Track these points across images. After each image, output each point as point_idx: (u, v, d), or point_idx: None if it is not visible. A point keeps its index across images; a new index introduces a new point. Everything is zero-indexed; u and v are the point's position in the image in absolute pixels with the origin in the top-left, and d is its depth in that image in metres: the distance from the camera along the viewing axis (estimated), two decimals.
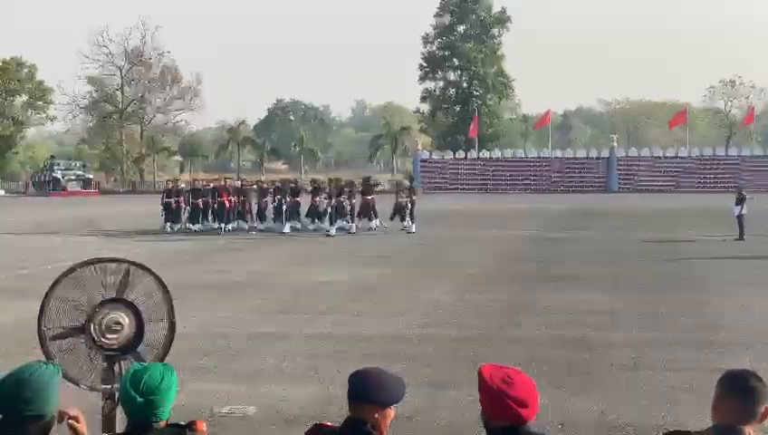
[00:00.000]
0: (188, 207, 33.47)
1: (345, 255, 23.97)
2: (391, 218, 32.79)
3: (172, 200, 33.52)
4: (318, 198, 33.01)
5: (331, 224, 31.00)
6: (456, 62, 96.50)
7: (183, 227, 33.09)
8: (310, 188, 35.07)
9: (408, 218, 31.86)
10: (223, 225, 32.25)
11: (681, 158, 72.61)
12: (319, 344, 11.73)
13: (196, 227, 32.89)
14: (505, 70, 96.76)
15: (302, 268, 20.95)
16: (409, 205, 32.02)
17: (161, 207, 33.77)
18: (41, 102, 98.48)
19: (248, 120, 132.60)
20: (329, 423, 3.65)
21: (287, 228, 31.47)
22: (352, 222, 31.64)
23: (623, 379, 9.72)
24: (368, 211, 32.70)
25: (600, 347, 11.33)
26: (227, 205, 32.57)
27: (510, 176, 74.27)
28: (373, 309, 14.71)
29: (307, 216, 33.21)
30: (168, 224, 32.90)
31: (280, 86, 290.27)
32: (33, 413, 3.28)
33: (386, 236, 29.64)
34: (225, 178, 36.54)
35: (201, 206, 33.15)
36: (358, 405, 3.52)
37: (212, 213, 33.22)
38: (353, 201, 32.31)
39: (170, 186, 35.29)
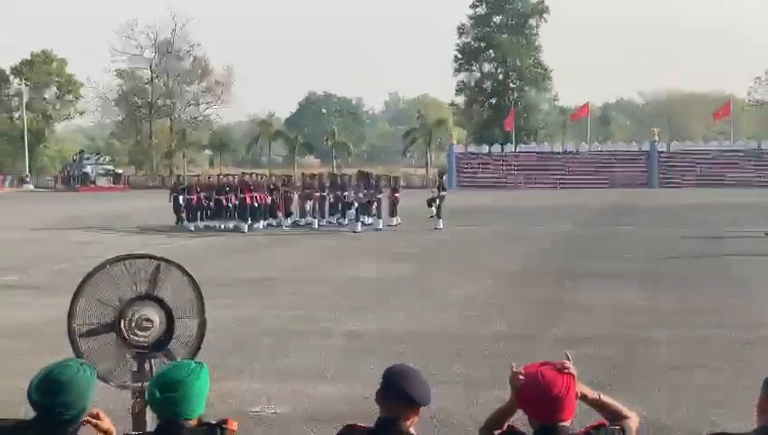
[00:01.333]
0: (211, 203, 33.00)
1: (376, 251, 24.01)
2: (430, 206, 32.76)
3: (193, 196, 33.10)
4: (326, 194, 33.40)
5: (357, 220, 31.02)
6: (491, 53, 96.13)
7: (204, 225, 32.79)
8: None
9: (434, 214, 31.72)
10: (245, 224, 31.30)
11: (725, 151, 71.88)
12: (350, 342, 11.76)
13: (216, 224, 32.45)
14: (542, 61, 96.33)
15: (333, 264, 21.03)
16: (437, 200, 31.84)
17: (183, 205, 33.41)
18: (70, 96, 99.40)
19: (279, 113, 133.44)
20: (361, 424, 3.65)
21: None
22: (380, 218, 31.54)
23: (665, 379, 9.66)
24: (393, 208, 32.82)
25: (641, 346, 11.26)
26: (249, 202, 31.84)
27: (547, 170, 73.88)
28: (405, 306, 14.72)
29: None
30: (189, 222, 32.64)
31: (312, 78, 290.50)
32: (71, 415, 3.32)
33: (418, 232, 29.61)
34: (247, 174, 36.07)
35: (225, 203, 32.55)
36: (392, 403, 3.51)
37: (235, 211, 32.36)
38: (379, 196, 32.09)
39: (192, 182, 35.17)
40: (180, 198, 33.67)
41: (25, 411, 3.44)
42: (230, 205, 32.34)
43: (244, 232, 30.46)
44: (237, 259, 22.58)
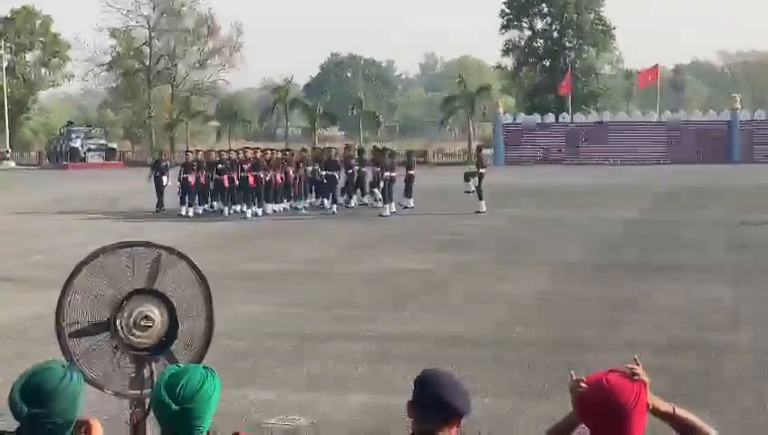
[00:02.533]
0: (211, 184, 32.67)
1: (411, 238, 24.05)
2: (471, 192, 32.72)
3: (190, 175, 32.48)
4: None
5: (385, 202, 31.18)
6: (545, 7, 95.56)
7: (207, 208, 32.82)
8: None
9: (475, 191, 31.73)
10: (248, 209, 31.03)
11: None
12: (379, 346, 11.80)
13: (219, 206, 32.33)
14: (604, 16, 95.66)
15: (360, 255, 21.08)
16: (477, 178, 31.78)
17: (178, 185, 32.86)
18: (56, 59, 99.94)
19: (297, 78, 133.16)
20: None
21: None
22: (386, 203, 31.61)
23: (746, 389, 9.63)
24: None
25: (718, 352, 11.22)
26: (252, 182, 31.33)
27: (609, 143, 73.41)
28: (444, 304, 14.75)
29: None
30: (185, 207, 32.05)
31: (335, 38, 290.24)
32: (58, 426, 3.38)
33: (461, 216, 29.57)
34: (250, 149, 34.93)
35: (226, 183, 32.01)
36: (427, 414, 3.52)
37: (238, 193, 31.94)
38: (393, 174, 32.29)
39: (189, 159, 34.54)
40: (164, 177, 33.57)
41: (8, 424, 3.50)
42: (235, 186, 31.86)
43: (247, 218, 30.40)
44: (246, 249, 22.67)
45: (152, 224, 28.74)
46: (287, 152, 35.98)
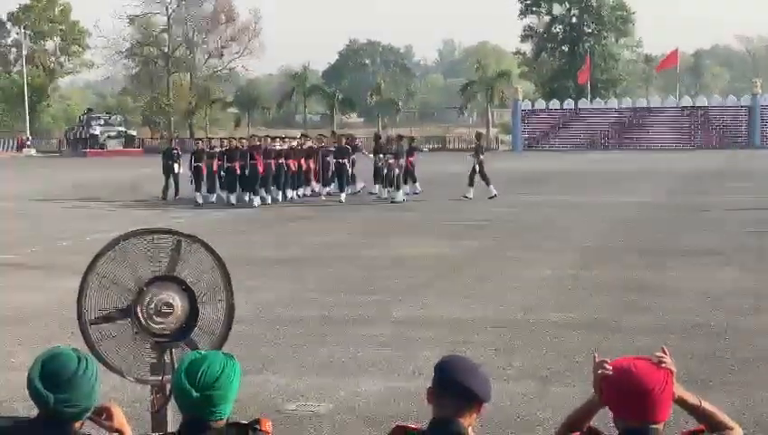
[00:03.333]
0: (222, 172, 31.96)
1: (428, 224, 24.04)
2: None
3: (201, 163, 32.18)
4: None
5: (398, 188, 31.13)
6: None
7: (217, 197, 32.28)
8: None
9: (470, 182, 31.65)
10: (255, 197, 30.53)
11: None
12: (399, 330, 11.80)
13: (232, 197, 31.39)
14: (624, 1, 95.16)
15: (379, 240, 21.09)
16: (477, 166, 31.70)
17: (190, 174, 32.46)
18: (76, 47, 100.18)
19: (316, 64, 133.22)
20: (413, 425, 3.67)
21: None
22: (398, 189, 31.58)
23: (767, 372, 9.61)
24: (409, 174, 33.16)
25: (741, 335, 11.18)
26: (261, 170, 30.75)
27: (629, 129, 73.16)
28: (463, 289, 14.72)
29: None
30: (199, 194, 31.74)
31: (353, 25, 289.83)
32: (76, 412, 3.39)
33: (479, 202, 29.54)
34: (258, 137, 34.71)
35: (237, 171, 31.13)
36: (448, 400, 3.51)
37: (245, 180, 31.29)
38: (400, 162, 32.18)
39: (199, 147, 34.20)
40: (175, 166, 33.35)
41: (26, 408, 3.50)
42: (245, 173, 31.14)
43: (254, 206, 29.94)
44: (264, 235, 22.71)
45: (170, 211, 28.79)
46: (301, 139, 35.88)
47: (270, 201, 30.66)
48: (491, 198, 30.27)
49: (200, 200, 31.36)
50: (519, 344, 10.95)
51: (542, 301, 13.60)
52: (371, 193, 32.71)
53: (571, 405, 3.96)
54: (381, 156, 32.82)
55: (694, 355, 10.16)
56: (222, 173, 31.95)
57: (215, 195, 32.29)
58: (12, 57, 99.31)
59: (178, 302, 5.22)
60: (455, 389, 3.48)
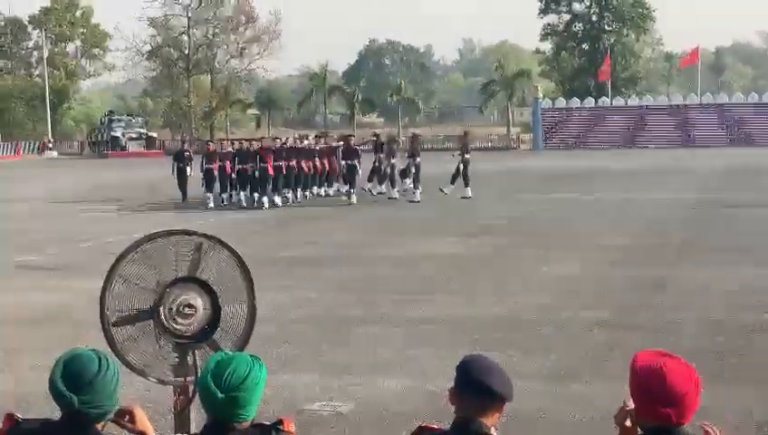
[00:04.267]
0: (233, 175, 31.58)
1: (445, 223, 24.07)
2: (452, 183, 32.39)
3: (213, 165, 31.65)
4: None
5: (415, 187, 31.14)
6: None
7: (229, 199, 31.89)
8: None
9: (450, 183, 31.77)
10: (265, 198, 30.03)
11: None
12: (419, 329, 11.81)
13: (243, 199, 31.08)
14: None
15: (396, 239, 21.13)
16: (462, 166, 31.67)
17: (201, 176, 31.91)
18: (97, 50, 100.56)
19: (336, 64, 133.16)
20: (434, 425, 3.67)
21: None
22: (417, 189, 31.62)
23: None
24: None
25: (761, 333, 11.14)
26: (271, 171, 30.33)
27: (650, 127, 72.87)
28: (484, 287, 14.73)
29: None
30: (210, 195, 31.22)
31: (373, 24, 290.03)
32: (99, 413, 3.41)
33: (497, 201, 29.52)
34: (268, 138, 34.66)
35: (248, 172, 30.80)
36: (470, 400, 3.50)
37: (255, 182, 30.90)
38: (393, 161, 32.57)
39: (211, 148, 33.53)
40: (187, 168, 33.14)
41: (52, 410, 3.52)
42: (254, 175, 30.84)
43: (264, 207, 29.57)
44: (280, 235, 22.80)
45: (190, 213, 28.74)
46: (316, 139, 35.60)
47: (280, 203, 30.27)
48: (464, 197, 30.28)
49: (211, 203, 30.96)
50: (541, 343, 10.94)
51: (563, 299, 13.58)
52: (363, 189, 32.46)
53: (594, 403, 3.95)
54: (381, 155, 33.12)
55: (720, 353, 10.13)
56: (233, 175, 31.63)
57: (226, 196, 32.05)
58: (33, 60, 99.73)
59: (200, 303, 5.24)
60: (477, 388, 3.48)
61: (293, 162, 31.26)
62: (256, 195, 30.64)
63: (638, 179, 37.58)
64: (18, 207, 31.55)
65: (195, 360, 5.18)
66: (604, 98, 77.33)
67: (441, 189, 30.84)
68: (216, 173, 31.71)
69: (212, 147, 33.88)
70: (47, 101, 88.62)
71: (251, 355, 3.55)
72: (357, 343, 11.23)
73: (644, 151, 63.78)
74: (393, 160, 32.38)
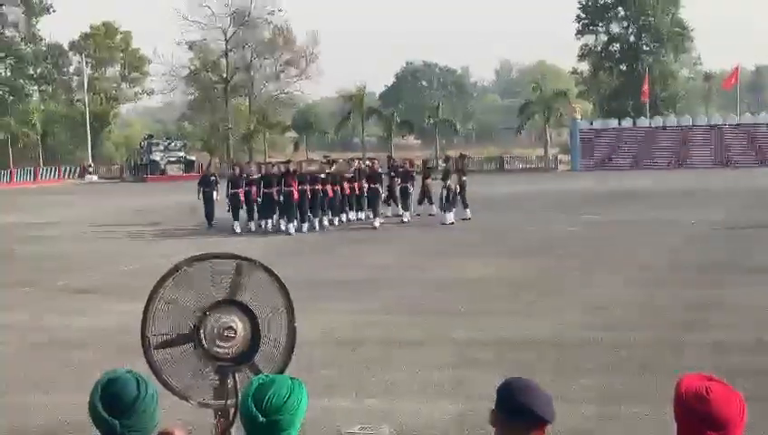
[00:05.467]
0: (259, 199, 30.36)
1: (484, 245, 23.98)
2: (429, 202, 32.43)
3: (239, 190, 30.62)
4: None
5: (449, 210, 30.49)
6: (621, 11, 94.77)
7: (255, 225, 30.60)
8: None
9: (439, 205, 31.48)
10: (291, 225, 29.04)
11: None
12: (461, 351, 11.77)
13: (269, 224, 30.22)
14: (682, 18, 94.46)
15: (438, 261, 21.08)
16: (456, 186, 31.28)
17: (227, 201, 31.02)
18: (136, 74, 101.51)
19: (373, 86, 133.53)
20: None
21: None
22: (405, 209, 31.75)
23: None
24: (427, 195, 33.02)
25: None
26: (296, 196, 29.11)
27: (690, 147, 72.41)
28: (526, 309, 14.67)
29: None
30: (236, 223, 30.13)
31: (410, 46, 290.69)
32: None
33: (535, 223, 29.41)
34: (293, 162, 32.85)
35: (274, 197, 29.71)
36: (511, 422, 3.48)
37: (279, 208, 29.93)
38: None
39: (236, 172, 32.25)
40: (213, 193, 31.99)
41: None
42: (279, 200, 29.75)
43: (290, 233, 28.60)
44: (328, 256, 22.80)
45: (219, 237, 28.18)
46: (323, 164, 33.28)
47: (306, 230, 29.19)
48: (443, 223, 29.94)
49: (238, 229, 29.89)
50: (583, 364, 10.87)
51: (604, 320, 13.51)
52: (417, 214, 32.39)
53: (638, 426, 3.91)
54: (396, 178, 32.92)
55: (759, 373, 10.02)
56: (259, 199, 30.42)
57: (254, 223, 30.67)
58: (74, 85, 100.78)
59: (240, 326, 5.25)
60: (518, 410, 3.45)
61: (318, 186, 30.02)
62: (282, 222, 29.78)
63: (678, 199, 37.33)
64: (59, 230, 31.80)
65: (235, 383, 5.18)
66: (642, 118, 76.95)
67: (463, 218, 30.32)
68: (242, 198, 30.70)
69: (238, 171, 32.66)
70: (88, 125, 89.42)
71: (292, 378, 3.53)
72: (398, 365, 11.20)
73: (683, 172, 63.38)
74: (449, 182, 31.83)
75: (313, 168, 32.20)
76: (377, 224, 29.96)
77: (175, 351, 5.31)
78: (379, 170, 32.56)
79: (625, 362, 10.88)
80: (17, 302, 16.94)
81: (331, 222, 30.73)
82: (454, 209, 30.73)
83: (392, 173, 33.54)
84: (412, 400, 9.67)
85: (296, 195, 29.16)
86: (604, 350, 11.56)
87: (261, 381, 3.50)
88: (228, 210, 30.81)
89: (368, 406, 9.48)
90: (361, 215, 32.21)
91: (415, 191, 32.68)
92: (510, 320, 13.83)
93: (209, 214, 31.89)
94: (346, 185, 31.49)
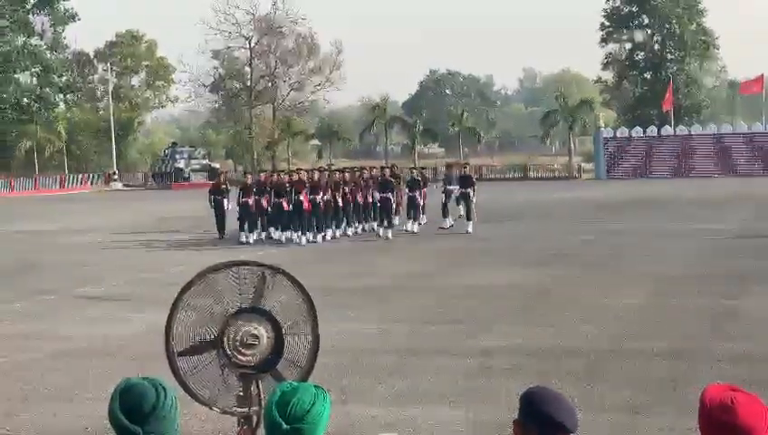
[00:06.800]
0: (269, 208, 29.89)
1: (506, 253, 23.90)
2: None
3: (249, 199, 29.89)
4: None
5: (469, 218, 30.25)
6: (645, 19, 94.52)
7: (264, 234, 30.25)
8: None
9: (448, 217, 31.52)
10: (302, 235, 28.55)
11: None
12: (481, 360, 11.75)
13: (278, 235, 29.67)
14: (707, 26, 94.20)
15: (455, 270, 21.08)
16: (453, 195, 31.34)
17: (237, 209, 30.24)
18: (161, 82, 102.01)
19: (397, 95, 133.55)
20: None
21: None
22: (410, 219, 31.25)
23: None
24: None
25: None
26: (306, 205, 28.59)
27: (714, 156, 72.07)
28: (547, 317, 14.63)
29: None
30: (244, 233, 29.58)
31: (433, 55, 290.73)
32: None
33: (557, 231, 29.34)
34: (305, 170, 32.86)
35: (286, 207, 29.15)
36: (535, 431, 3.46)
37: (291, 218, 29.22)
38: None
39: (248, 181, 31.56)
40: (225, 201, 31.24)
41: None
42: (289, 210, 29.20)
43: (302, 245, 28.04)
44: (347, 265, 22.78)
45: (241, 248, 27.52)
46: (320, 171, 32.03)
47: (320, 240, 28.63)
48: (441, 227, 30.22)
49: (249, 239, 29.44)
50: (603, 374, 10.85)
51: (625, 329, 13.47)
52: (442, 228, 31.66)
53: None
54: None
55: None
56: (269, 209, 29.94)
57: (263, 233, 30.24)
58: (99, 93, 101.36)
59: (264, 333, 5.27)
60: (541, 420, 3.45)
61: (330, 195, 29.35)
62: (291, 232, 29.14)
63: (700, 208, 37.12)
64: (83, 238, 31.95)
65: (259, 390, 5.20)
66: (666, 127, 76.64)
67: (467, 231, 29.77)
68: (252, 207, 29.92)
69: (249, 179, 31.97)
70: (112, 133, 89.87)
71: (315, 386, 3.54)
72: (421, 373, 11.20)
73: (707, 180, 63.07)
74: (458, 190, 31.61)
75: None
76: (389, 235, 29.22)
77: (199, 358, 5.33)
78: (392, 179, 31.51)
79: (646, 373, 10.84)
80: (40, 310, 17.03)
81: (345, 234, 30.17)
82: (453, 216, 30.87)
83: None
84: (433, 407, 9.67)
85: (307, 204, 28.67)
86: (623, 360, 11.52)
87: (285, 388, 3.51)
88: (238, 219, 30.14)
89: (389, 414, 9.48)
90: (368, 226, 31.37)
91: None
92: (526, 329, 13.80)
93: (220, 225, 31.07)
94: (345, 193, 30.17)
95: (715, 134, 73.65)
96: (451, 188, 32.01)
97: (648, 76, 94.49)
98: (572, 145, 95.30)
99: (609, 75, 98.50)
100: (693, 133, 74.58)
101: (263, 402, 4.83)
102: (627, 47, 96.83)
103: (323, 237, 28.98)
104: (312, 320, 5.42)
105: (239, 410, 5.30)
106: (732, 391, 3.30)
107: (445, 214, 31.43)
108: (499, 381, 10.52)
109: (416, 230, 30.37)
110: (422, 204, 31.88)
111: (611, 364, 11.33)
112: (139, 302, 17.30)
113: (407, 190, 31.73)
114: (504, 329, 13.83)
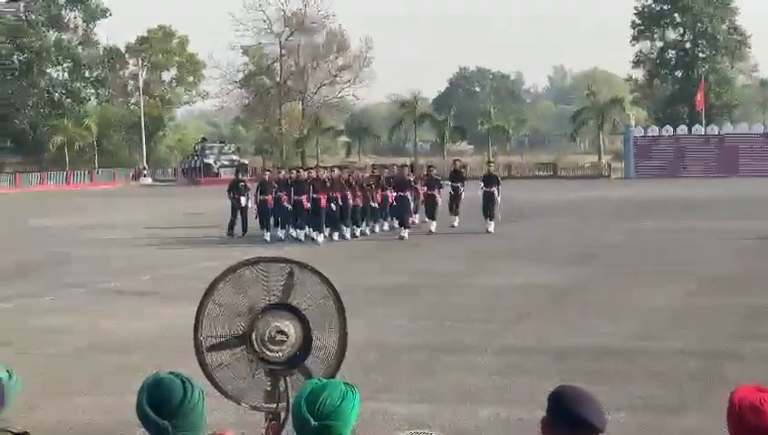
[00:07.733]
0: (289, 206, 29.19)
1: (534, 252, 23.83)
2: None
3: (268, 197, 29.67)
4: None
5: (491, 219, 29.83)
6: (677, 17, 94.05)
7: (283, 232, 29.67)
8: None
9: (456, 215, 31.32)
10: (316, 233, 28.29)
11: None
12: (509, 358, 11.74)
13: (296, 233, 29.20)
14: (739, 25, 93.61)
15: (483, 268, 21.05)
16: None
17: (256, 207, 30.20)
18: (192, 78, 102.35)
19: (426, 92, 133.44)
20: None
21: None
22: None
23: None
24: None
25: None
26: (324, 204, 28.33)
27: (746, 155, 71.57)
28: (575, 316, 14.60)
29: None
30: (265, 231, 29.36)
31: (463, 52, 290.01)
32: None
33: (587, 230, 29.23)
34: (323, 167, 32.58)
35: (306, 205, 28.57)
36: (564, 430, 3.45)
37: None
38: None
39: (267, 178, 31.20)
40: (242, 198, 30.83)
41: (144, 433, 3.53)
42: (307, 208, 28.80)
43: (318, 244, 27.62)
44: (376, 262, 22.83)
45: (264, 245, 27.00)
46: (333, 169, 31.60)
47: (337, 238, 28.52)
48: (453, 226, 30.19)
49: (267, 238, 29.07)
50: (634, 373, 10.80)
51: (655, 329, 13.41)
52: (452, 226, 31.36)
53: None
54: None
55: None
56: (289, 207, 29.29)
57: (283, 231, 29.68)
58: (130, 89, 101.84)
59: (292, 330, 5.26)
60: (570, 419, 3.43)
61: (348, 193, 29.03)
62: (309, 230, 28.86)
63: (730, 208, 36.86)
64: (113, 232, 32.13)
65: (287, 386, 5.20)
66: (697, 126, 76.19)
67: (488, 230, 29.50)
68: (270, 205, 29.66)
69: (268, 176, 31.64)
70: (143, 128, 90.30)
71: (345, 383, 3.53)
72: (448, 370, 11.20)
73: (738, 180, 62.64)
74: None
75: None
76: (405, 235, 28.71)
77: (227, 353, 5.34)
78: (410, 178, 31.44)
79: (676, 373, 10.78)
80: (69, 304, 17.14)
81: (363, 233, 29.86)
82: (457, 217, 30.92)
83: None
84: (462, 405, 9.66)
85: (324, 203, 28.40)
86: (652, 359, 11.46)
87: (314, 384, 3.50)
88: (256, 217, 30.11)
89: (417, 410, 9.48)
90: (386, 226, 31.25)
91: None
92: (555, 327, 13.76)
93: (232, 222, 30.58)
94: (355, 193, 29.53)
95: (747, 134, 73.13)
96: (455, 185, 31.86)
97: (680, 75, 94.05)
98: (602, 143, 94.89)
99: (639, 73, 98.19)
100: (724, 133, 74.13)
101: (290, 399, 4.83)
102: (658, 45, 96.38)
103: (342, 236, 28.83)
104: (340, 316, 5.41)
105: (267, 406, 5.30)
106: (761, 392, 3.28)
107: (453, 211, 31.30)
108: (527, 380, 10.50)
109: (433, 230, 29.86)
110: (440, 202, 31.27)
111: (640, 364, 11.28)
112: (166, 297, 17.37)
113: (425, 189, 31.46)
114: (531, 327, 13.81)
